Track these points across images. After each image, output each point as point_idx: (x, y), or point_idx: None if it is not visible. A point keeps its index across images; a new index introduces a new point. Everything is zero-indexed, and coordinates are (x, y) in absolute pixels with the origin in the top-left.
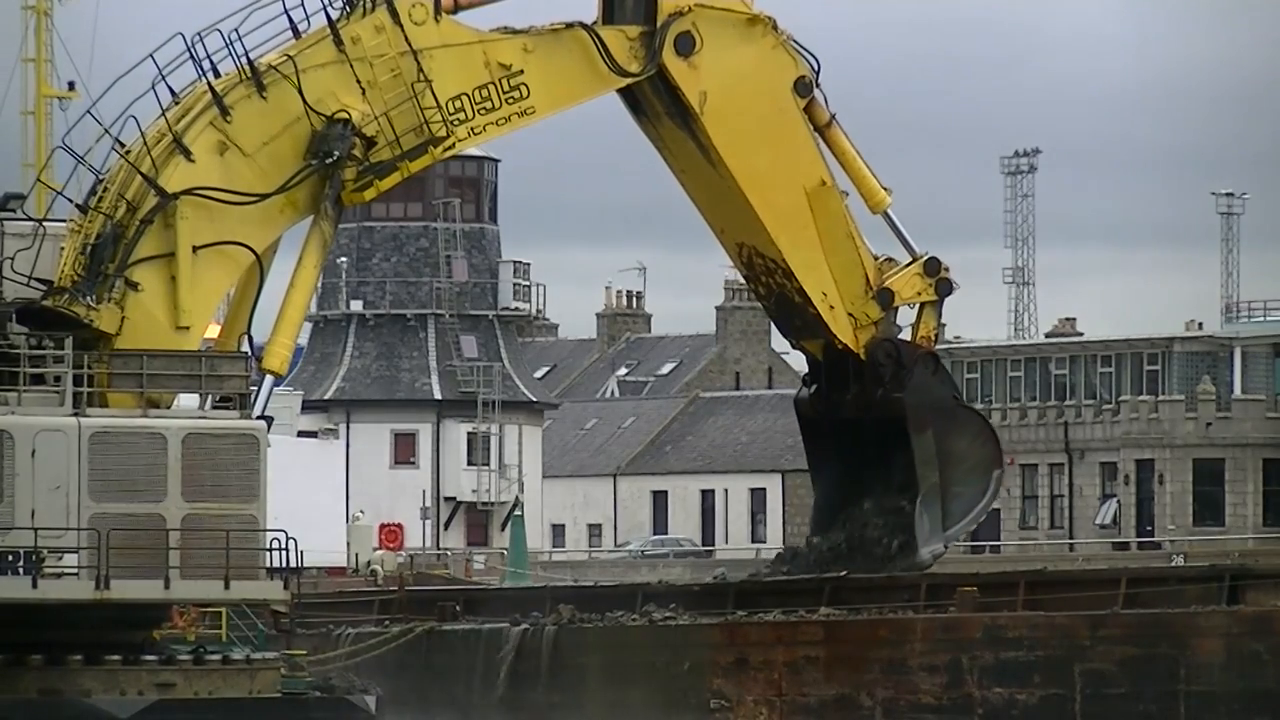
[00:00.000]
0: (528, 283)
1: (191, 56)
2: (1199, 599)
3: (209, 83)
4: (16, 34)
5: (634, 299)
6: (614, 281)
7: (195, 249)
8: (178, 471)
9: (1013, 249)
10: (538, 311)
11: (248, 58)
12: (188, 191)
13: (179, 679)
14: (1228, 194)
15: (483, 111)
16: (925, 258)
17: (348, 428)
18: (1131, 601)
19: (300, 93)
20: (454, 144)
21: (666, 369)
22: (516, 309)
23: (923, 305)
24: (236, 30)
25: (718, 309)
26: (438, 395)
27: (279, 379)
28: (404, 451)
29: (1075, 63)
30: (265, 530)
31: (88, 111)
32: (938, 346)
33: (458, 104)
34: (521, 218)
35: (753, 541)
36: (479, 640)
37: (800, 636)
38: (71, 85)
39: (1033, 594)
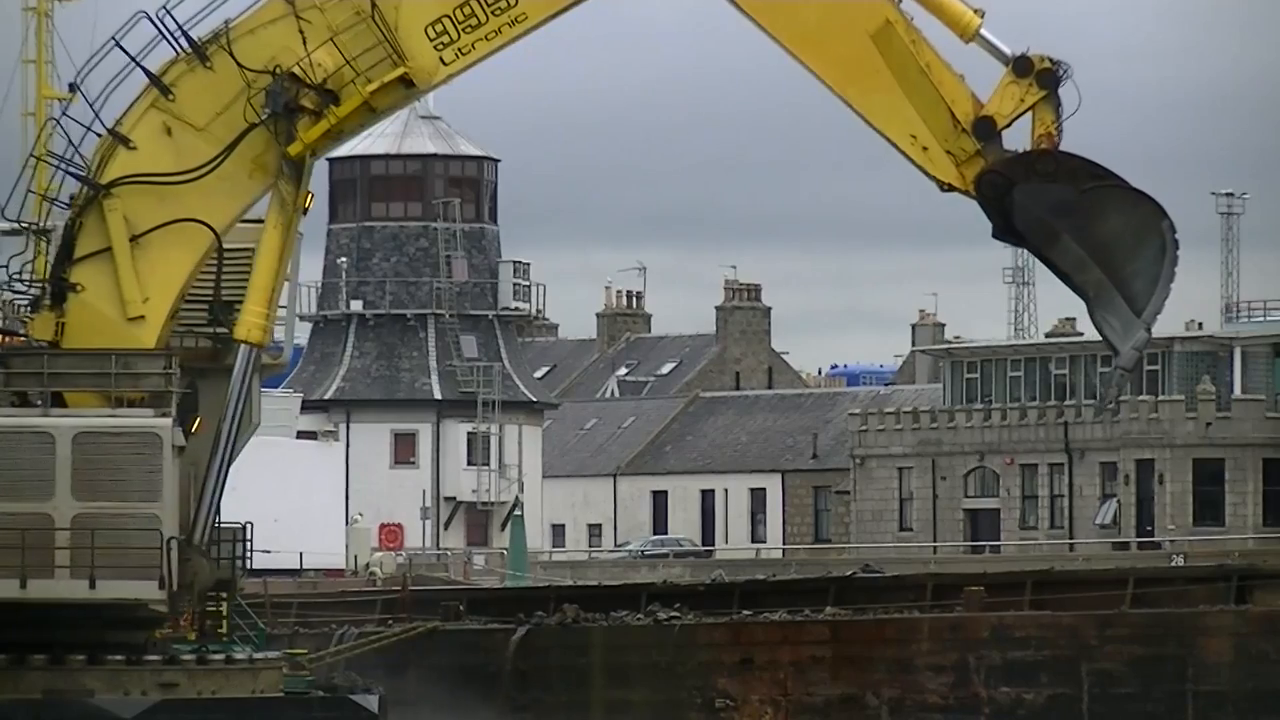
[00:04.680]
0: (528, 283)
1: (126, 56)
2: (1206, 599)
3: (142, 67)
4: (17, 35)
5: (634, 299)
6: (614, 281)
7: (135, 237)
8: (67, 470)
9: (1013, 249)
10: (538, 311)
11: (182, 30)
12: (114, 182)
13: (182, 679)
14: (1228, 194)
15: (469, 29)
16: (1012, 61)
17: (348, 428)
18: (1139, 601)
19: (230, 53)
20: (416, 70)
21: (666, 369)
22: (516, 309)
23: (1035, 105)
24: (165, 6)
25: (718, 309)
26: (438, 395)
27: (257, 350)
28: (404, 451)
29: (1076, 65)
30: (156, 530)
31: (55, 120)
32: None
33: (439, 27)
34: (521, 218)
35: (752, 541)
36: (482, 640)
37: (806, 636)
38: (72, 86)
39: (1039, 594)
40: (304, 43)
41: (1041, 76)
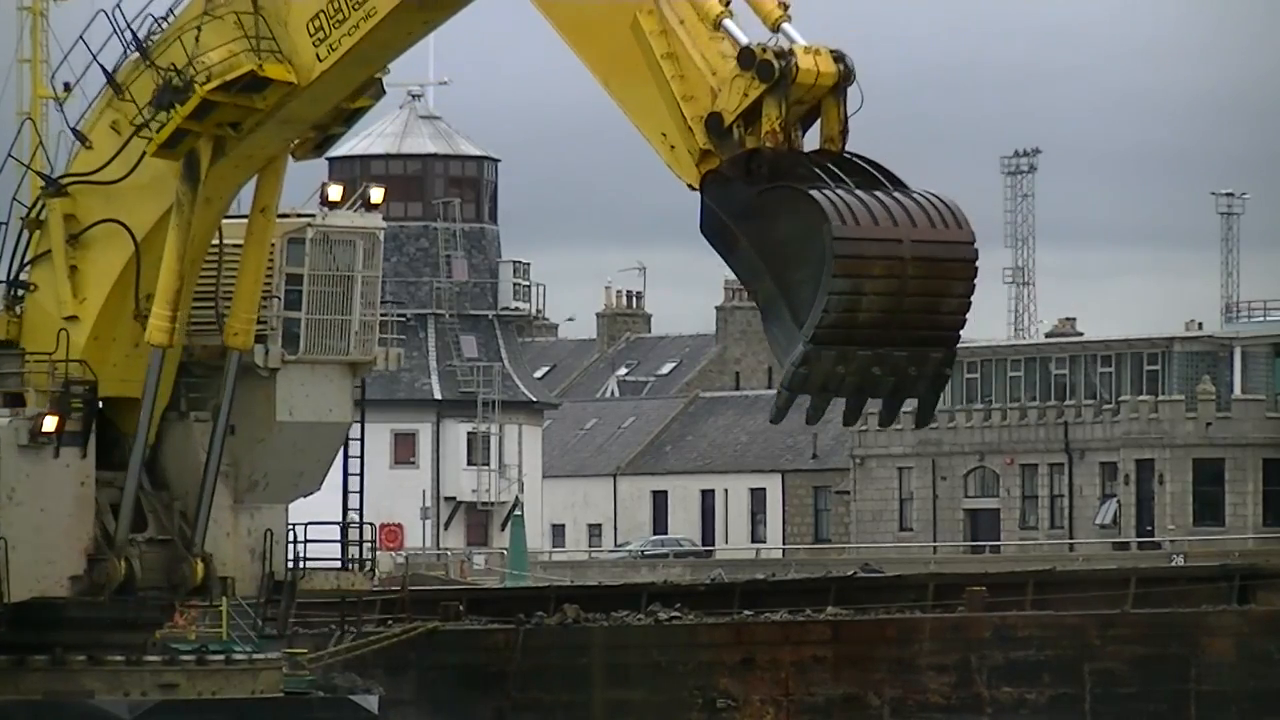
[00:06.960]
0: (528, 283)
1: (87, 51)
2: (1209, 599)
3: (101, 65)
4: (12, 35)
5: (634, 299)
6: (614, 281)
7: (74, 236)
8: None
9: (1013, 249)
10: (538, 311)
11: (129, 27)
12: (58, 179)
13: (182, 679)
14: (1228, 194)
15: (337, 24)
16: (738, 52)
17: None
18: (1141, 601)
19: (143, 52)
20: (297, 67)
21: (666, 369)
22: (516, 309)
23: (759, 100)
24: (119, 5)
25: (718, 309)
26: (438, 395)
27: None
28: (404, 451)
29: (1077, 64)
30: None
31: (28, 118)
32: None
33: (317, 23)
34: (521, 218)
35: (752, 541)
36: (482, 640)
37: (807, 636)
38: (67, 86)
39: (1041, 594)
40: (197, 40)
41: (761, 68)
